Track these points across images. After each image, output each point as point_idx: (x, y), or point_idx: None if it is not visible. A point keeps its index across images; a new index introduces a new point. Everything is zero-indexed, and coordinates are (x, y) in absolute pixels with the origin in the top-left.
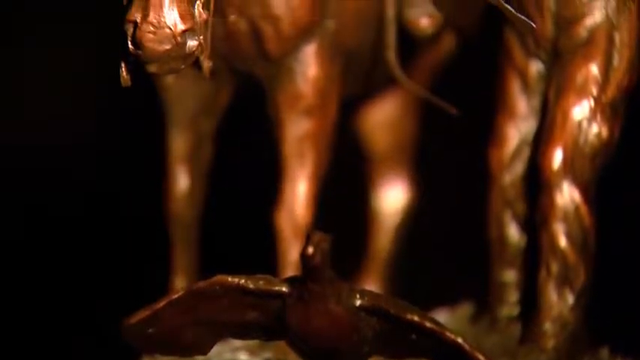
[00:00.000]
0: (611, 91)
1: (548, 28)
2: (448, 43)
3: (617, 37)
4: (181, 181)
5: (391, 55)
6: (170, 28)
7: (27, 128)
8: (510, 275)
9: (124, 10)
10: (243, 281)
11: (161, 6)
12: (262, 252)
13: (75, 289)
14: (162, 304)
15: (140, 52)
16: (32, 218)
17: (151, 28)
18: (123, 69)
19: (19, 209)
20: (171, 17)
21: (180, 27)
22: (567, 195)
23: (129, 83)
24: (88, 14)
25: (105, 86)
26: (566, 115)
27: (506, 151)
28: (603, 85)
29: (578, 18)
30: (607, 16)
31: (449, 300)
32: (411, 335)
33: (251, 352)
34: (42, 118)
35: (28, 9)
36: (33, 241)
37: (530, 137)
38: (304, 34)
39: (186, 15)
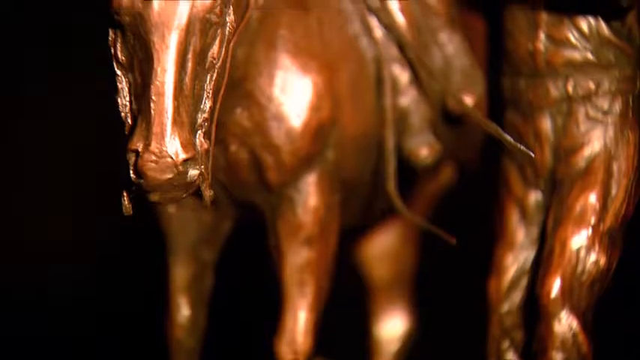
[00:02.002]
0: (609, 220)
1: (547, 157)
2: (448, 172)
3: (615, 167)
4: (183, 310)
5: (391, 185)
6: (172, 157)
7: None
8: None
9: (126, 139)
10: None
11: (163, 135)
12: None
13: None
14: None
15: (142, 180)
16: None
17: (153, 157)
18: (125, 197)
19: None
20: (173, 146)
21: (182, 156)
22: (565, 323)
23: (130, 212)
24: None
25: (105, 218)
26: (564, 244)
27: (504, 281)
28: (601, 215)
29: (576, 148)
30: (605, 145)
31: None
32: None
33: None
34: (41, 261)
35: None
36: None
37: (529, 266)
38: (304, 164)
39: (187, 144)
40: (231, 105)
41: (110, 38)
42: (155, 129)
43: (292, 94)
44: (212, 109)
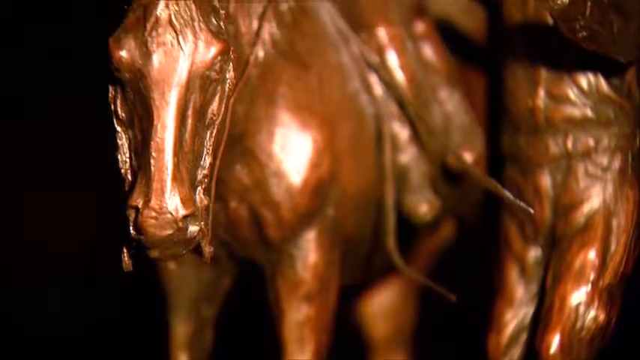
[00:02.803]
0: (608, 277)
1: (547, 214)
2: (447, 229)
3: (614, 223)
4: None
5: (391, 241)
6: (172, 214)
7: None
8: None
9: (126, 198)
10: None
11: (163, 191)
12: None
13: None
14: None
15: (142, 237)
16: None
17: (153, 214)
18: (125, 254)
19: None
20: (173, 202)
21: (182, 212)
22: None
23: (130, 268)
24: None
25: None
26: (563, 300)
27: (504, 336)
28: (601, 271)
29: (576, 204)
30: (604, 202)
31: None
32: None
33: None
34: (41, 310)
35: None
36: None
37: (528, 322)
38: (304, 220)
39: (187, 200)
40: (231, 161)
41: (110, 95)
42: (155, 185)
43: (292, 151)
44: (212, 165)
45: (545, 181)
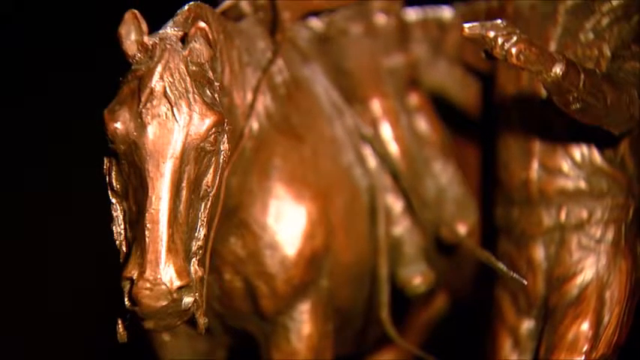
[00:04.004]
0: (601, 349)
1: (540, 285)
2: (441, 300)
3: (607, 295)
4: None
5: (385, 313)
6: (166, 285)
7: None
8: None
9: (121, 266)
10: None
11: (157, 263)
12: None
13: None
14: None
15: (137, 308)
16: None
17: (148, 285)
18: (119, 325)
19: None
20: (168, 274)
21: (177, 283)
22: None
23: (125, 339)
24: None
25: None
26: None
27: None
28: (594, 343)
29: (569, 276)
30: (597, 273)
31: None
32: None
33: None
34: None
35: None
36: None
37: None
38: (298, 292)
39: (182, 272)
40: (225, 233)
41: (105, 167)
42: (150, 256)
43: (286, 223)
44: (206, 237)
45: (539, 253)
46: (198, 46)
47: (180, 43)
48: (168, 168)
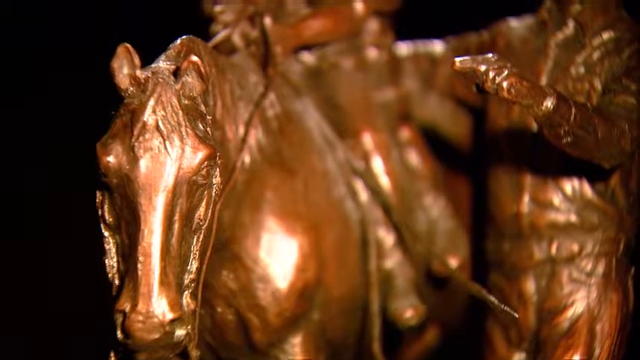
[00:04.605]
0: None
1: (531, 318)
2: (432, 333)
3: (598, 328)
4: None
5: (376, 346)
6: (159, 318)
7: None
8: None
9: (114, 299)
10: None
11: (150, 295)
12: None
13: None
14: None
15: (129, 340)
16: None
17: (140, 318)
18: (112, 357)
19: None
20: (160, 307)
21: (169, 316)
22: None
23: None
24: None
25: None
26: None
27: None
28: None
29: (560, 309)
30: (588, 307)
31: None
32: None
33: None
34: None
35: None
36: None
37: None
38: (290, 324)
39: (174, 304)
40: (217, 266)
41: (97, 200)
42: (142, 289)
43: (278, 256)
44: (199, 270)
45: (530, 286)
46: (190, 79)
47: (172, 77)
48: (160, 201)
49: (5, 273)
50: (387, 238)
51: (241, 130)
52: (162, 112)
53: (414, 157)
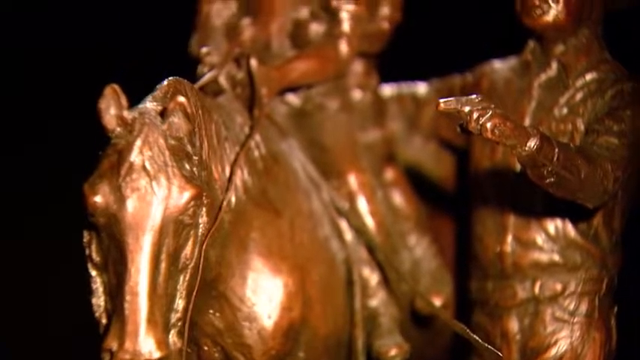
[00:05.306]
0: None
1: (514, 357)
2: None
3: None
4: None
5: None
6: (145, 356)
7: None
8: None
9: (101, 338)
10: None
11: (137, 334)
12: None
13: None
14: None
15: None
16: None
17: (127, 356)
18: None
19: None
20: (147, 345)
21: (156, 355)
22: None
23: None
24: None
25: None
26: None
27: None
28: None
29: (543, 348)
30: (571, 345)
31: None
32: None
33: None
34: None
35: None
36: None
37: None
38: None
39: (161, 343)
40: (204, 305)
41: (85, 239)
42: (129, 328)
43: (264, 295)
44: (185, 308)
45: (513, 325)
46: (177, 120)
47: (159, 118)
48: (147, 241)
49: None
50: (372, 277)
51: (227, 171)
52: (149, 153)
53: (398, 198)
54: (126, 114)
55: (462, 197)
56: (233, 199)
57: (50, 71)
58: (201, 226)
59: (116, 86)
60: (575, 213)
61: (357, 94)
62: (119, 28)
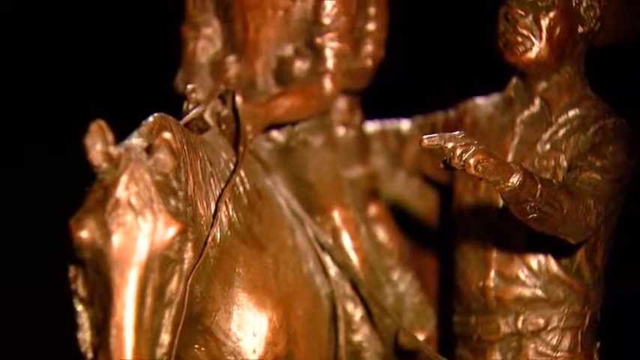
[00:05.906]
0: None
1: None
2: None
3: None
4: None
5: None
6: None
7: None
8: None
9: None
10: None
11: None
12: None
13: None
14: None
15: None
16: None
17: None
18: None
19: None
20: None
21: None
22: None
23: None
24: None
25: None
26: None
27: None
28: None
29: None
30: None
31: None
32: None
33: None
34: None
35: None
36: None
37: None
38: None
39: None
40: (189, 339)
41: (71, 275)
42: None
43: (249, 330)
44: (171, 343)
45: (496, 359)
46: (162, 156)
47: (145, 154)
48: (133, 276)
49: None
50: (356, 312)
51: (212, 206)
52: (135, 188)
53: (381, 233)
54: (112, 150)
55: (445, 232)
56: (218, 235)
57: (35, 98)
58: (186, 261)
59: (102, 122)
60: (558, 248)
61: (340, 131)
62: (105, 62)
